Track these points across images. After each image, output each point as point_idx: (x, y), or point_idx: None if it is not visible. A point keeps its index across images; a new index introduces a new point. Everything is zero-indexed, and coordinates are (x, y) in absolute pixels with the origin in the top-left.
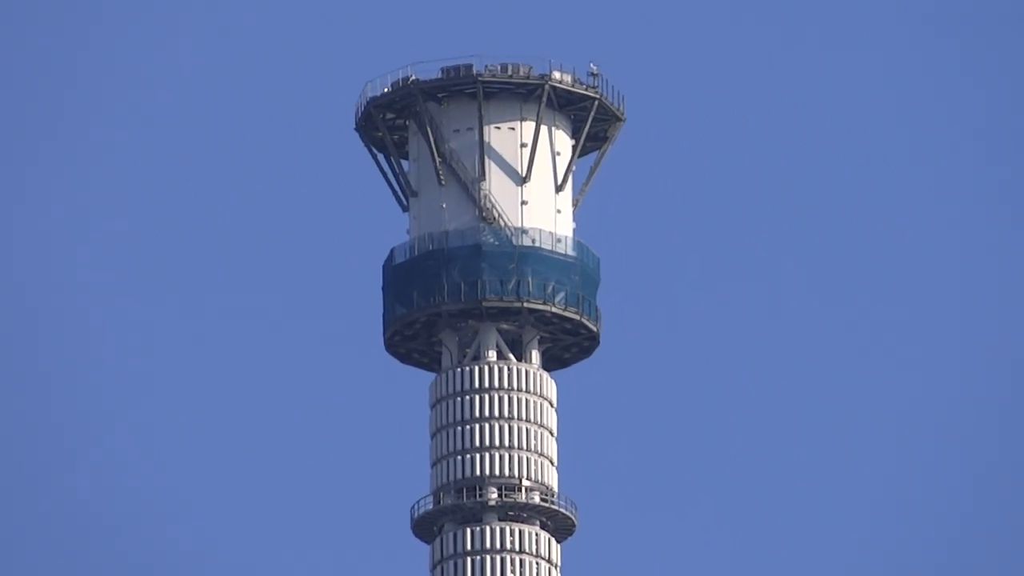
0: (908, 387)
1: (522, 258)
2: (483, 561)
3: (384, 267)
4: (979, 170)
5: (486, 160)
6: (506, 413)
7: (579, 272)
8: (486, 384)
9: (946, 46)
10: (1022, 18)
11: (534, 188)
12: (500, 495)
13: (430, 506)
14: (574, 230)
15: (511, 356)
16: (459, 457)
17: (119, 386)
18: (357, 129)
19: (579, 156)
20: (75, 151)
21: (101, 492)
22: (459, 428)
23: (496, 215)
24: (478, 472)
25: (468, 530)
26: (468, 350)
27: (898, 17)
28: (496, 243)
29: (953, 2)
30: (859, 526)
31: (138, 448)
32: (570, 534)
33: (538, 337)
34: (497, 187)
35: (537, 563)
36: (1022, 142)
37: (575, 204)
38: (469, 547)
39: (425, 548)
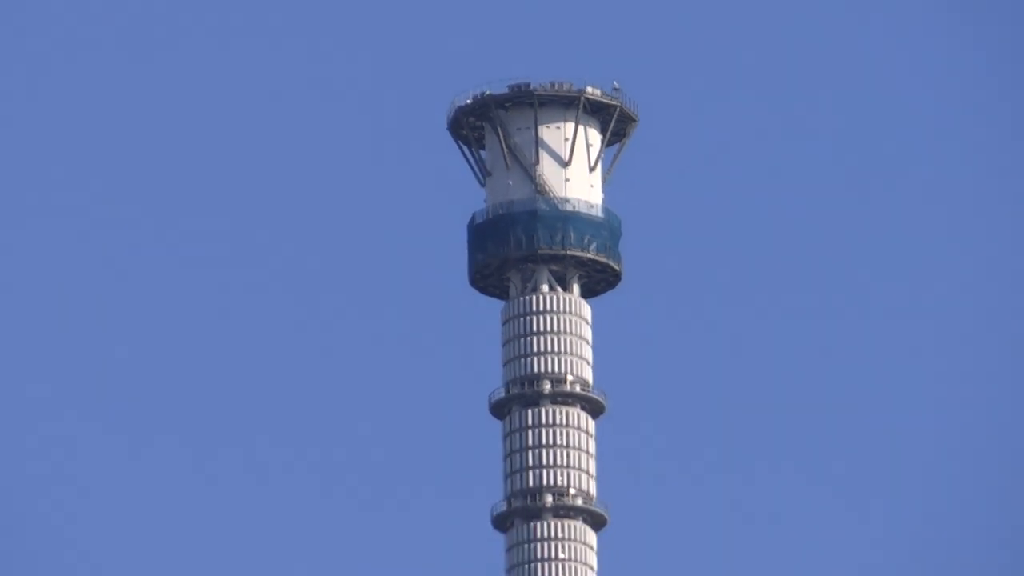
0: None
1: (566, 219)
2: (539, 434)
3: (468, 226)
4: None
5: (539, 150)
6: (555, 328)
7: (607, 228)
8: (541, 308)
9: (971, 49)
10: None
11: (574, 170)
12: (552, 386)
13: (502, 394)
14: (603, 199)
15: (559, 288)
16: (522, 359)
17: None
18: (449, 129)
19: (606, 147)
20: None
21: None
22: (522, 339)
23: (547, 189)
24: (536, 370)
25: (529, 411)
26: (528, 284)
27: (912, 23)
28: (547, 209)
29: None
30: (888, 508)
31: None
32: (602, 413)
33: (578, 275)
34: (548, 169)
35: (577, 434)
36: None
37: (603, 181)
38: (530, 423)
39: (498, 425)
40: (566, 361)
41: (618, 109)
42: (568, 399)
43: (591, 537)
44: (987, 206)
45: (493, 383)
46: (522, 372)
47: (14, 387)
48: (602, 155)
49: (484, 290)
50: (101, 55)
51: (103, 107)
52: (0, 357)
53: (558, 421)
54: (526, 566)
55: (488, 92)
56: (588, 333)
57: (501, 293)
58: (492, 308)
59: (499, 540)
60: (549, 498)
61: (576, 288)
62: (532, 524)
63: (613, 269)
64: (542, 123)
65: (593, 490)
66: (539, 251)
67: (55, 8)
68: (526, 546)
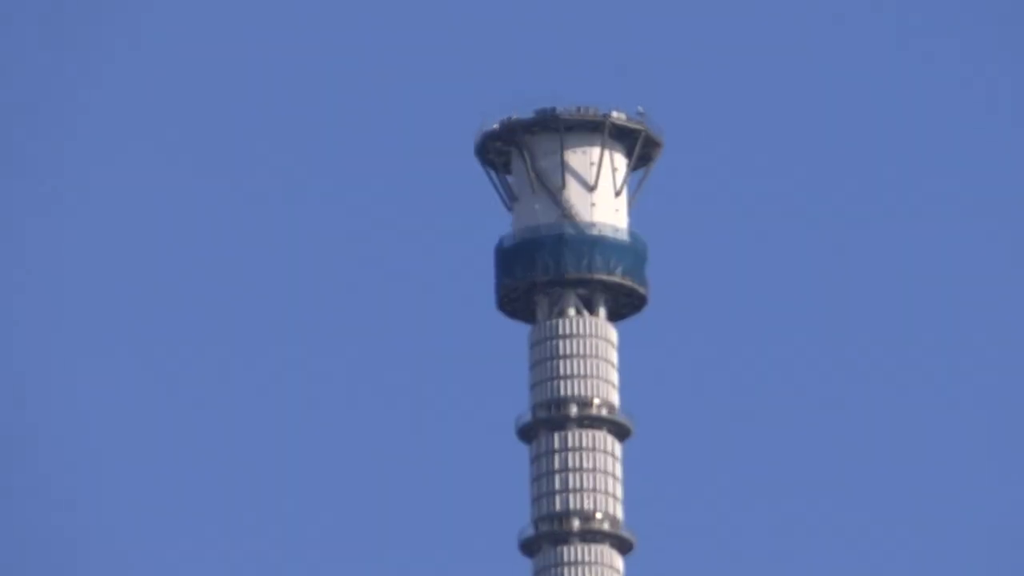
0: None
1: (592, 243)
2: (566, 457)
3: (496, 250)
4: None
5: (566, 175)
6: (581, 352)
7: (632, 252)
8: (568, 331)
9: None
10: None
11: (600, 194)
12: (578, 409)
13: (529, 418)
14: (629, 223)
15: (585, 312)
16: (549, 383)
17: None
18: (476, 154)
19: (631, 171)
20: None
21: None
22: (549, 363)
23: (574, 213)
24: (562, 393)
25: (556, 435)
26: (555, 308)
27: (943, 50)
28: (574, 233)
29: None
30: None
31: None
32: (629, 436)
33: (604, 298)
34: (574, 194)
35: (604, 457)
36: None
37: (629, 205)
38: (557, 447)
39: (525, 449)
40: (592, 384)
41: (643, 134)
42: (595, 422)
43: (618, 561)
44: (999, 231)
45: (520, 407)
46: (549, 396)
47: None
48: (628, 179)
49: (511, 314)
50: None
51: None
52: None
53: (585, 445)
54: None
55: (515, 117)
56: (614, 356)
57: (528, 317)
58: (519, 332)
59: (526, 565)
60: (576, 522)
61: (602, 312)
62: (559, 548)
63: (639, 293)
64: (568, 148)
65: (620, 514)
66: (566, 275)
67: None
68: (553, 570)
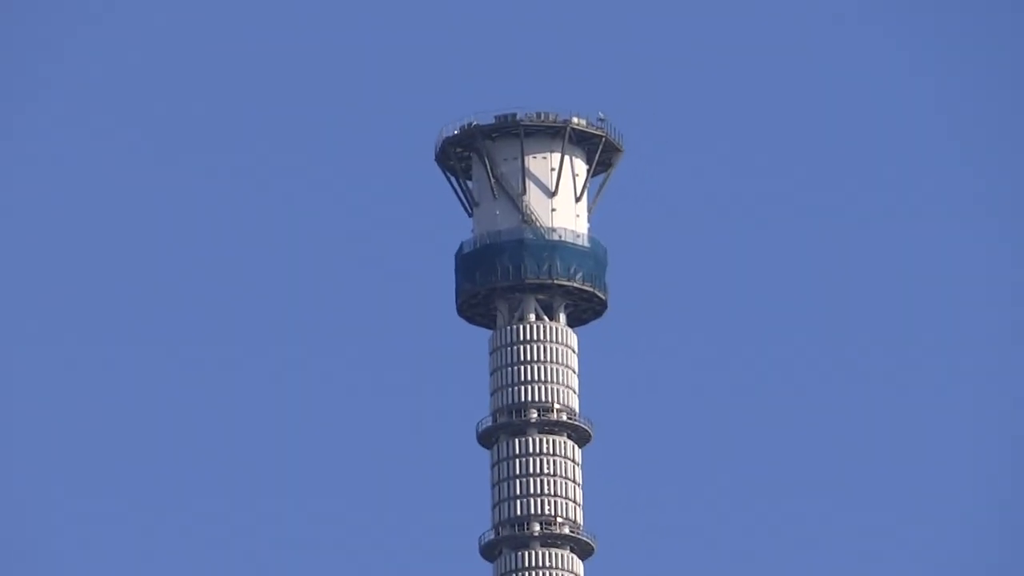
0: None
1: (552, 249)
2: (527, 462)
3: (456, 255)
4: None
5: (526, 180)
6: (542, 357)
7: (592, 258)
8: (528, 337)
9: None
10: None
11: (560, 199)
12: (539, 414)
13: (490, 423)
14: (589, 229)
15: (545, 317)
16: (510, 388)
17: None
18: (436, 160)
19: (591, 176)
20: None
21: None
22: (509, 368)
23: (534, 219)
24: (523, 399)
25: (516, 440)
26: (516, 313)
27: (905, 63)
28: (534, 238)
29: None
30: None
31: None
32: (589, 441)
33: (564, 304)
34: (534, 199)
35: (564, 462)
36: None
37: (589, 210)
38: (517, 452)
39: (486, 454)
40: (553, 390)
41: (603, 139)
42: (555, 428)
43: (578, 566)
44: (980, 247)
45: (480, 412)
46: (509, 401)
47: None
48: (588, 185)
49: (472, 319)
50: None
51: None
52: None
53: (545, 450)
54: None
55: (475, 122)
56: (575, 362)
57: (488, 322)
58: (480, 337)
59: (487, 569)
60: (536, 527)
61: (562, 317)
62: (520, 553)
63: (599, 298)
64: (528, 153)
65: (580, 519)
66: (526, 280)
67: None
68: (513, 575)
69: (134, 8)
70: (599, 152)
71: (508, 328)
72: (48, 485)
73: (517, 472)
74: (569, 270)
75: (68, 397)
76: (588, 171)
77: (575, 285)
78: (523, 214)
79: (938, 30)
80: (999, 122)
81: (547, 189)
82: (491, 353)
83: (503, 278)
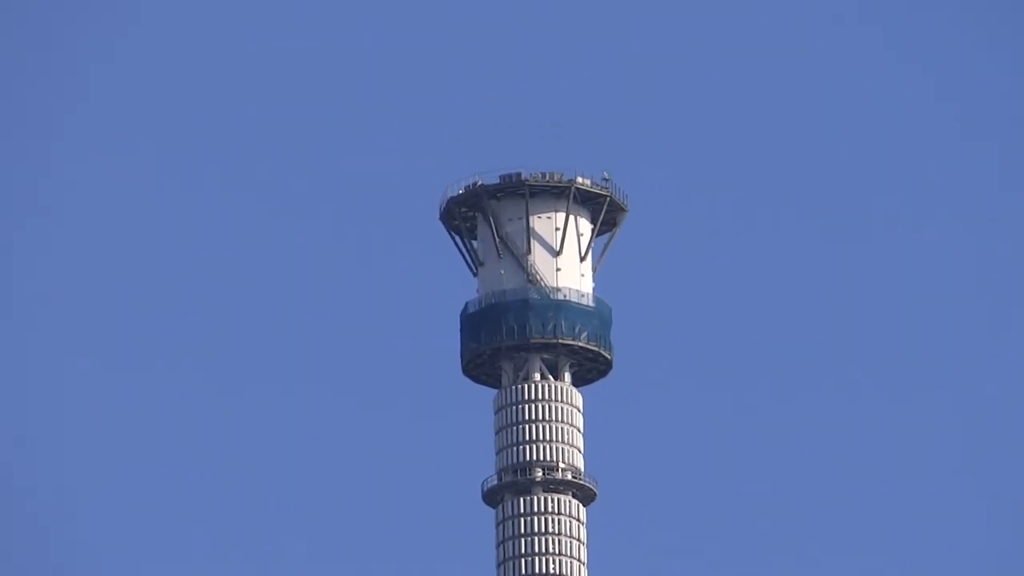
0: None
1: (557, 308)
2: (532, 520)
3: (461, 315)
4: None
5: (531, 240)
6: (547, 416)
7: (598, 317)
8: (533, 396)
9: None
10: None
11: (565, 259)
12: (544, 473)
13: (495, 482)
14: (593, 288)
15: (550, 377)
16: (515, 447)
17: None
18: (441, 219)
19: (596, 236)
20: None
21: None
22: (515, 427)
23: (539, 278)
24: (528, 458)
25: (521, 499)
26: (520, 373)
27: (910, 104)
28: (539, 298)
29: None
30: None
31: None
32: (593, 500)
33: (569, 363)
34: (539, 259)
35: (569, 521)
36: None
37: (594, 270)
38: (523, 511)
39: (491, 512)
40: (558, 449)
41: (608, 199)
42: (560, 487)
43: None
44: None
45: (486, 471)
46: (514, 460)
47: None
48: (592, 244)
49: (477, 379)
50: None
51: None
52: None
53: (550, 509)
54: None
55: (479, 182)
56: (579, 421)
57: (494, 382)
58: (485, 396)
59: None
60: None
61: (567, 376)
62: None
63: (604, 357)
64: (533, 213)
65: None
66: (531, 340)
67: None
68: None
69: (135, 9)
70: (604, 212)
71: (513, 387)
72: (48, 486)
73: (522, 531)
74: (574, 329)
75: (68, 397)
76: (593, 231)
77: (580, 344)
78: (528, 274)
79: (937, 30)
80: (999, 122)
81: (552, 248)
82: (496, 412)
83: (508, 338)
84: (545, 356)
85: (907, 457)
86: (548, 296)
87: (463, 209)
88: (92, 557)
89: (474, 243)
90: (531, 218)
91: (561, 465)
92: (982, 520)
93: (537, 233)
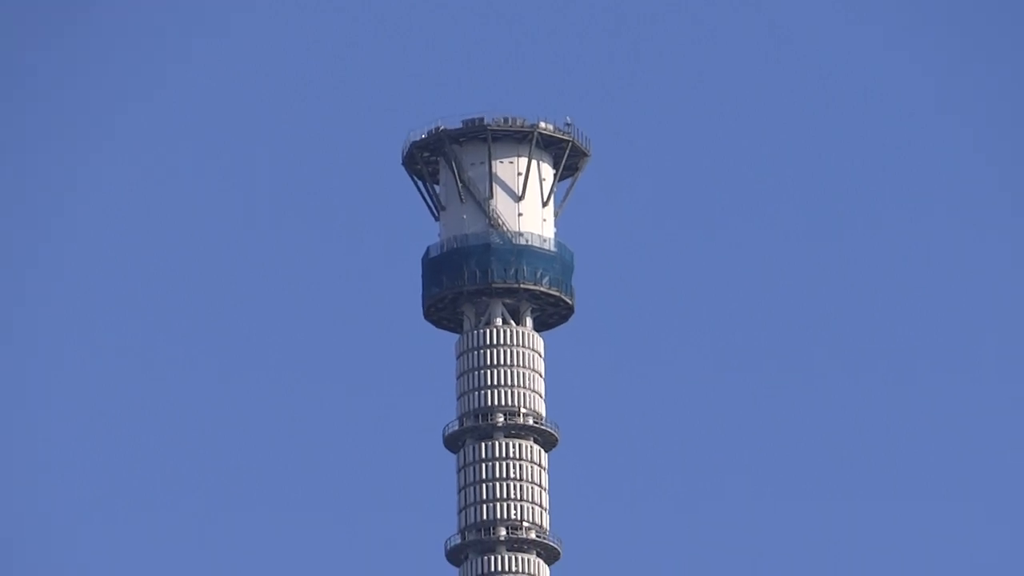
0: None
1: (519, 253)
2: (494, 466)
3: (423, 260)
4: None
5: (493, 185)
6: (508, 361)
7: (559, 262)
8: (495, 341)
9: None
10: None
11: (527, 204)
12: (505, 419)
13: (456, 427)
14: (555, 233)
15: (512, 322)
16: (476, 392)
17: None
18: (403, 164)
19: (558, 181)
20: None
21: None
22: (476, 372)
23: (501, 223)
24: (490, 403)
25: (483, 444)
26: (482, 317)
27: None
28: (501, 243)
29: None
30: None
31: None
32: (554, 446)
33: (531, 308)
34: (501, 203)
35: (530, 467)
36: None
37: (556, 215)
38: (484, 456)
39: (452, 457)
40: (519, 394)
41: (570, 144)
42: (521, 432)
43: (544, 570)
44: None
45: (447, 416)
46: (476, 405)
47: None
48: (555, 189)
49: (438, 323)
50: None
51: None
52: None
53: (511, 454)
54: None
55: (442, 127)
56: (541, 366)
57: (455, 327)
58: (446, 341)
59: (453, 574)
60: (503, 531)
61: (529, 321)
62: (486, 558)
63: (566, 302)
64: (496, 158)
65: (546, 523)
66: (493, 284)
67: None
68: None
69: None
70: (566, 157)
71: (475, 332)
72: (48, 486)
73: (484, 477)
74: (536, 274)
75: (68, 398)
76: (555, 176)
77: (541, 289)
78: (490, 218)
79: (938, 30)
80: (999, 122)
81: (514, 193)
82: (458, 357)
83: (470, 282)
84: (507, 301)
85: (886, 408)
86: (510, 241)
87: (425, 154)
88: (92, 557)
89: (436, 188)
90: (493, 163)
91: (523, 410)
92: (982, 520)
93: (499, 178)
